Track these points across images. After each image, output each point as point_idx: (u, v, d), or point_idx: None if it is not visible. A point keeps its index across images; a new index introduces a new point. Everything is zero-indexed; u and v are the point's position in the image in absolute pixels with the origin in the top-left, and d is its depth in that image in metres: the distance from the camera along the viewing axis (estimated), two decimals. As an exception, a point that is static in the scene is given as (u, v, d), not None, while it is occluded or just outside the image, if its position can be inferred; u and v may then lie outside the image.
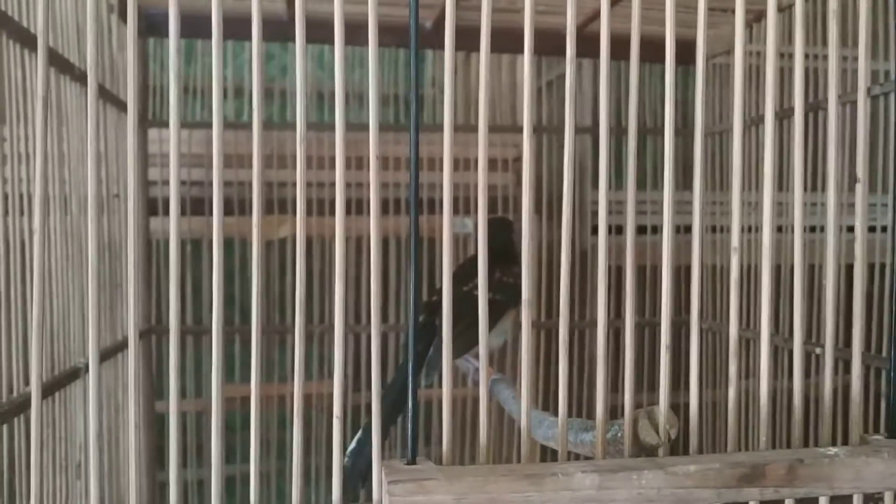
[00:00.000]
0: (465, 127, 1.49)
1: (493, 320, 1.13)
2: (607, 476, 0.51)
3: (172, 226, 0.56)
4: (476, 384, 1.11)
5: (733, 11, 1.45)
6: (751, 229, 1.20)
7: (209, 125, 1.53)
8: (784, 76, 1.29)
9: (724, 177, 1.40)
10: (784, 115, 1.20)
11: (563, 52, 1.55)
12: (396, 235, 1.53)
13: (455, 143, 1.51)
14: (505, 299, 1.13)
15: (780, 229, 1.21)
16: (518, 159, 1.53)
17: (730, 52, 1.34)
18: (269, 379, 1.56)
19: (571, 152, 0.56)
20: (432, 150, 1.52)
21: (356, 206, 1.44)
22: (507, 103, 1.62)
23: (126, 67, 1.27)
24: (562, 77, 1.62)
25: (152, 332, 1.39)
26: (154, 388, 1.41)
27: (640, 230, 1.48)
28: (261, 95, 0.56)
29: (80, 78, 1.05)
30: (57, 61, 0.97)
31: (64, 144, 1.01)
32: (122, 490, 1.23)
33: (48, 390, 0.93)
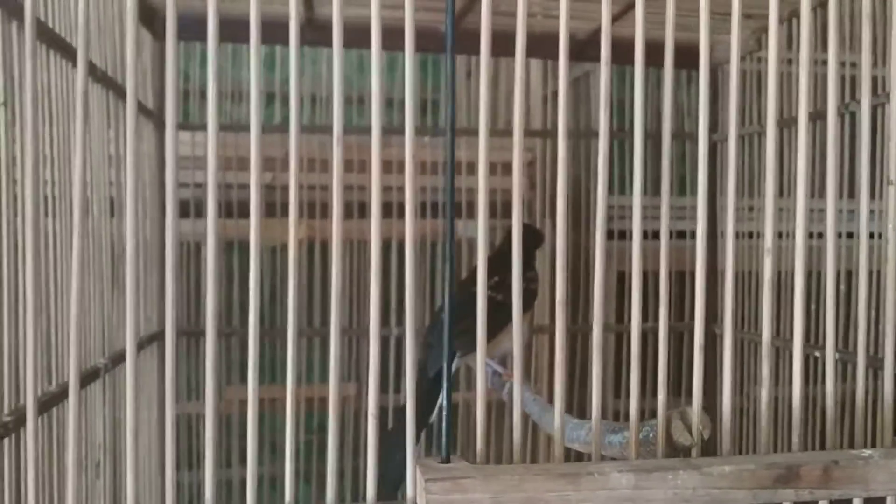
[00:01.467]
0: (474, 131, 1.49)
1: (505, 322, 1.14)
2: (643, 476, 0.52)
3: (210, 228, 0.57)
4: (494, 387, 1.11)
5: (747, 16, 1.45)
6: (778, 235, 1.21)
7: (224, 129, 1.53)
8: (793, 83, 1.30)
9: (738, 182, 1.40)
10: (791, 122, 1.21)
11: (575, 57, 1.56)
12: (400, 240, 1.52)
13: (470, 146, 1.51)
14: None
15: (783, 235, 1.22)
16: (531, 163, 1.54)
17: (744, 58, 1.35)
18: (274, 381, 1.56)
19: (606, 156, 0.56)
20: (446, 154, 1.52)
21: (359, 210, 1.44)
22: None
23: (146, 70, 1.28)
24: (575, 81, 1.62)
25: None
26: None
27: (645, 235, 1.49)
28: (298, 100, 0.57)
29: (103, 79, 1.05)
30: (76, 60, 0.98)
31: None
32: (138, 491, 1.24)
33: (68, 390, 0.93)
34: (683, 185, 1.50)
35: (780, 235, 1.24)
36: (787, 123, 1.28)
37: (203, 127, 1.44)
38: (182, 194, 1.44)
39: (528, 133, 1.55)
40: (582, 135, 1.57)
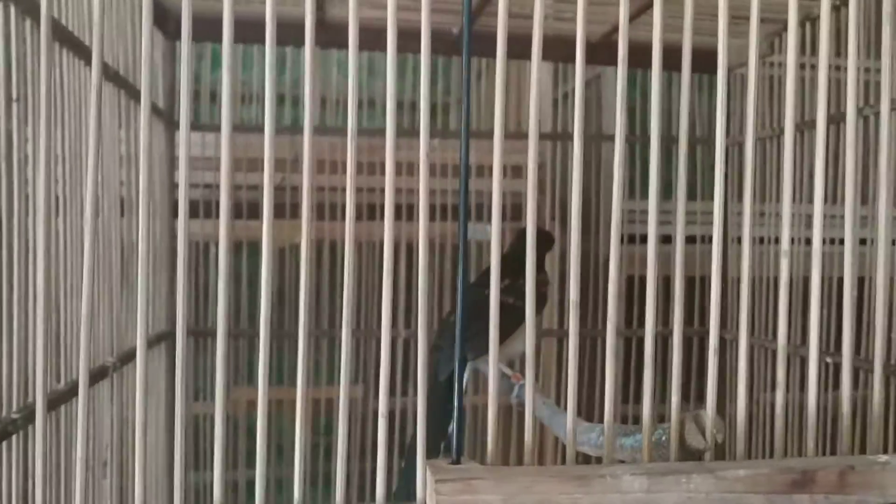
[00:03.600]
0: (484, 134, 1.49)
1: (514, 325, 1.13)
2: (656, 479, 0.51)
3: (223, 230, 0.57)
4: (500, 391, 1.11)
5: (762, 21, 1.46)
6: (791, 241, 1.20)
7: (234, 129, 1.53)
8: (806, 88, 1.30)
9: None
10: (806, 126, 1.21)
11: (586, 60, 1.56)
12: (408, 242, 1.52)
13: (479, 149, 1.51)
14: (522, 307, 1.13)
15: (807, 241, 1.21)
16: (541, 166, 1.53)
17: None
18: (280, 383, 1.56)
19: (622, 158, 0.56)
20: (456, 157, 1.52)
21: (367, 212, 1.44)
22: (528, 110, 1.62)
23: (157, 69, 1.28)
24: (586, 84, 1.62)
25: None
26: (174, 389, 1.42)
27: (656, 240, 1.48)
28: (312, 102, 0.56)
29: (115, 78, 1.05)
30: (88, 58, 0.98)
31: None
32: (148, 490, 1.23)
33: (76, 388, 0.93)
34: (692, 189, 1.50)
35: (792, 241, 1.23)
36: (800, 127, 1.28)
37: (213, 128, 1.45)
38: (192, 194, 1.44)
39: (539, 136, 1.55)
40: (593, 138, 1.56)
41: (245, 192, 1.42)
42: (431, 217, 1.44)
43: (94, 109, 0.55)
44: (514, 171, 1.45)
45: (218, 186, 1.47)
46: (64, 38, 0.88)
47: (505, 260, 0.98)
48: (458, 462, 0.54)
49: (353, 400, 1.49)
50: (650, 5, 1.19)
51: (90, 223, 0.55)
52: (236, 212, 1.45)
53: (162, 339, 1.31)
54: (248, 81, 1.50)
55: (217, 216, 1.43)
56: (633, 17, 1.35)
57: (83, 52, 0.93)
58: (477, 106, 1.64)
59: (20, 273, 0.78)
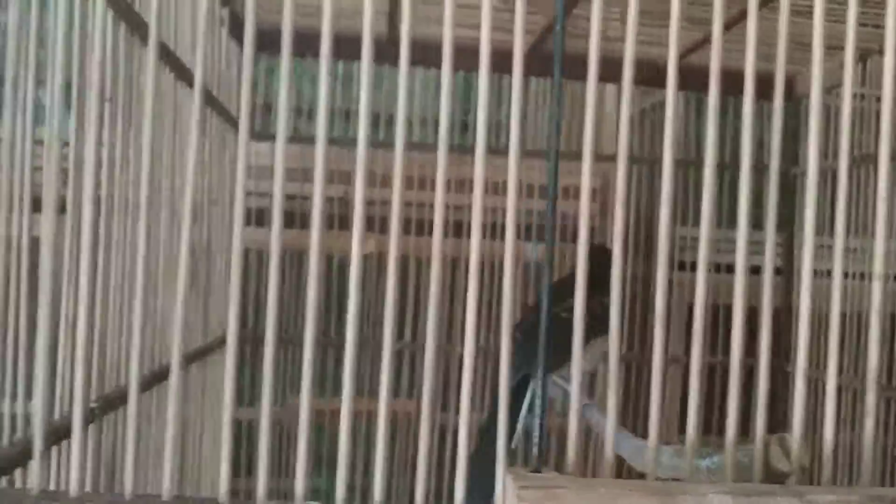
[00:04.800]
0: (534, 153, 1.50)
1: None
2: (741, 499, 0.51)
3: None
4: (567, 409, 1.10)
5: (832, 48, 1.45)
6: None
7: (302, 141, 1.56)
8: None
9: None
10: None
11: (656, 84, 1.56)
12: (466, 258, 1.53)
13: (528, 167, 1.51)
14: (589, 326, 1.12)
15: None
16: (605, 187, 1.53)
17: (829, 91, 1.33)
18: (336, 393, 1.57)
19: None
20: (493, 174, 1.53)
21: (418, 227, 1.46)
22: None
23: (233, 80, 1.31)
24: (653, 107, 1.62)
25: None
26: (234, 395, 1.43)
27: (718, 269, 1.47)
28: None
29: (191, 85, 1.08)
30: (174, 65, 1.00)
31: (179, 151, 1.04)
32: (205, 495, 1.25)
33: (146, 385, 0.95)
34: (761, 218, 1.49)
35: (861, 276, 1.21)
36: (869, 160, 1.26)
37: (258, 137, 1.48)
38: (258, 203, 1.47)
39: (602, 157, 1.55)
40: (657, 161, 1.56)
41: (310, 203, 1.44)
42: (492, 236, 1.45)
43: (195, 131, 0.58)
44: (577, 193, 1.45)
45: (257, 195, 1.50)
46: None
47: (571, 279, 0.98)
48: (538, 471, 0.54)
49: (407, 413, 1.49)
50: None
51: (187, 232, 0.58)
52: (302, 222, 1.47)
53: (225, 342, 1.34)
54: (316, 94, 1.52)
55: (254, 224, 1.47)
56: (703, 42, 1.35)
57: (165, 55, 0.96)
58: (536, 125, 1.65)
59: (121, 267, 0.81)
